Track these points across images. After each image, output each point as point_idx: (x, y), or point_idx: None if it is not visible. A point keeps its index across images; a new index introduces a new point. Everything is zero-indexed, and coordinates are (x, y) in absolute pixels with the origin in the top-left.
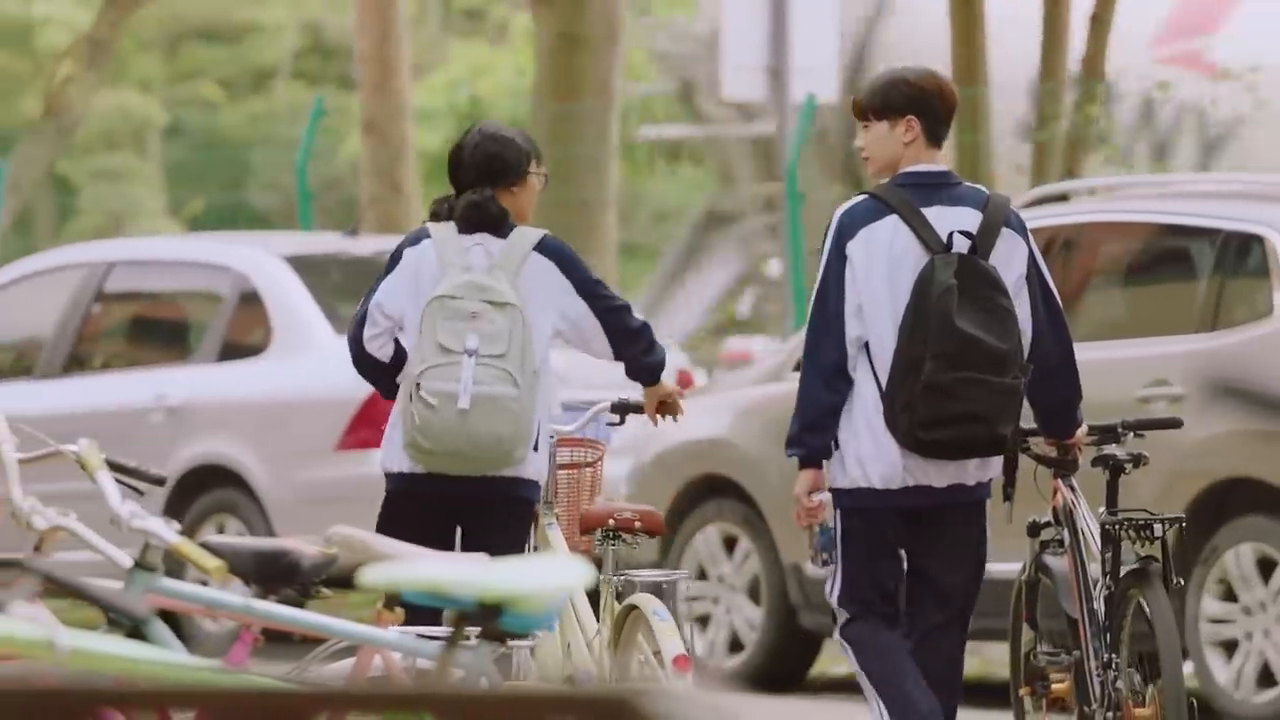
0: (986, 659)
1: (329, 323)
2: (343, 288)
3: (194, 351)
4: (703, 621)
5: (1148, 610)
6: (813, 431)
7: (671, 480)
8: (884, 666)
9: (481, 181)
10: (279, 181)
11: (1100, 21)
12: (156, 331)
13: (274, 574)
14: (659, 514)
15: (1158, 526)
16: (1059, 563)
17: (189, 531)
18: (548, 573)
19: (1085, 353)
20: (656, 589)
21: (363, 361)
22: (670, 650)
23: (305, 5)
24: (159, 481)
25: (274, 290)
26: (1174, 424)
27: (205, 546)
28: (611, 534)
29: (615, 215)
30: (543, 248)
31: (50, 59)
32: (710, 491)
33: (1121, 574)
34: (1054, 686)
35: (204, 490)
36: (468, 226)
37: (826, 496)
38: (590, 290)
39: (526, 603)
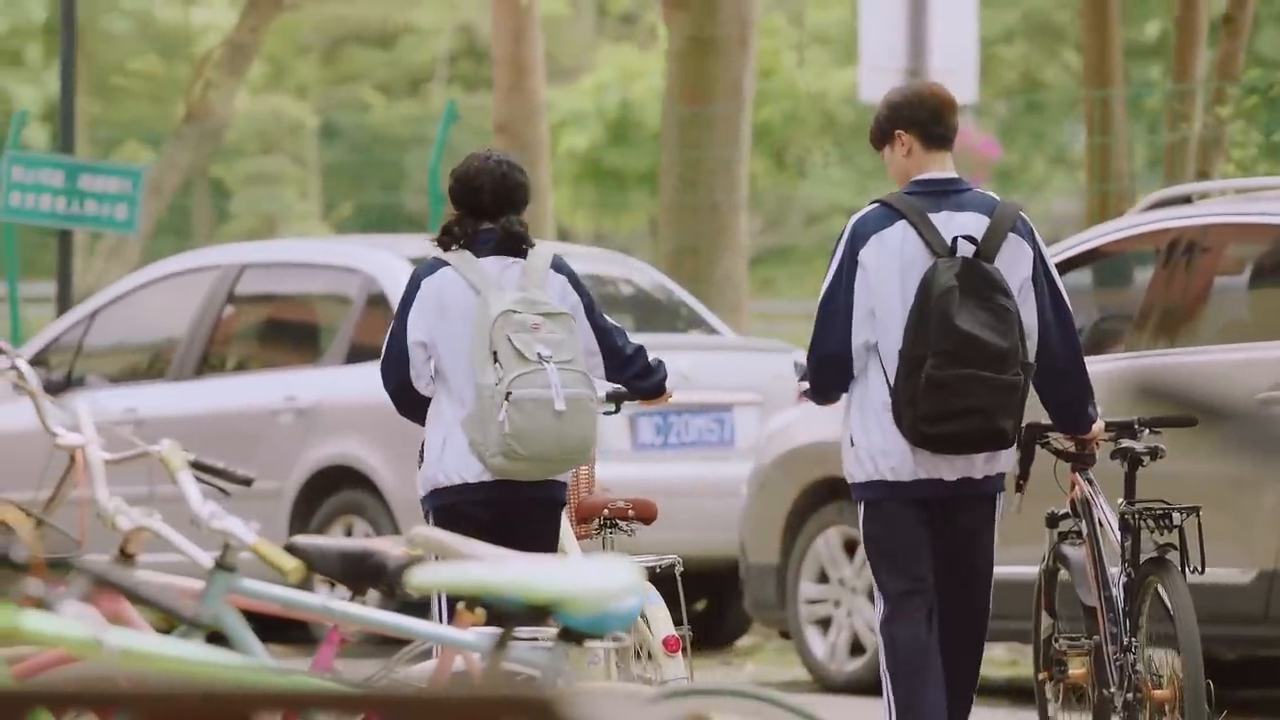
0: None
1: None
2: None
3: (323, 353)
4: (823, 624)
5: (1166, 597)
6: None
7: (793, 482)
8: (908, 676)
9: (507, 209)
10: (443, 185)
11: (1233, 23)
12: (286, 333)
13: (360, 574)
14: (652, 503)
15: (1175, 515)
16: (1077, 553)
17: (317, 533)
18: (595, 574)
19: (1208, 355)
20: (651, 573)
21: (404, 399)
22: (660, 632)
23: (460, 8)
24: (246, 482)
25: (400, 292)
26: (1189, 423)
27: (290, 547)
28: (608, 522)
29: (746, 218)
30: (556, 265)
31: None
32: (831, 494)
33: (1141, 562)
34: (1071, 672)
35: (332, 492)
36: (499, 250)
37: None
38: (593, 311)
39: (574, 604)
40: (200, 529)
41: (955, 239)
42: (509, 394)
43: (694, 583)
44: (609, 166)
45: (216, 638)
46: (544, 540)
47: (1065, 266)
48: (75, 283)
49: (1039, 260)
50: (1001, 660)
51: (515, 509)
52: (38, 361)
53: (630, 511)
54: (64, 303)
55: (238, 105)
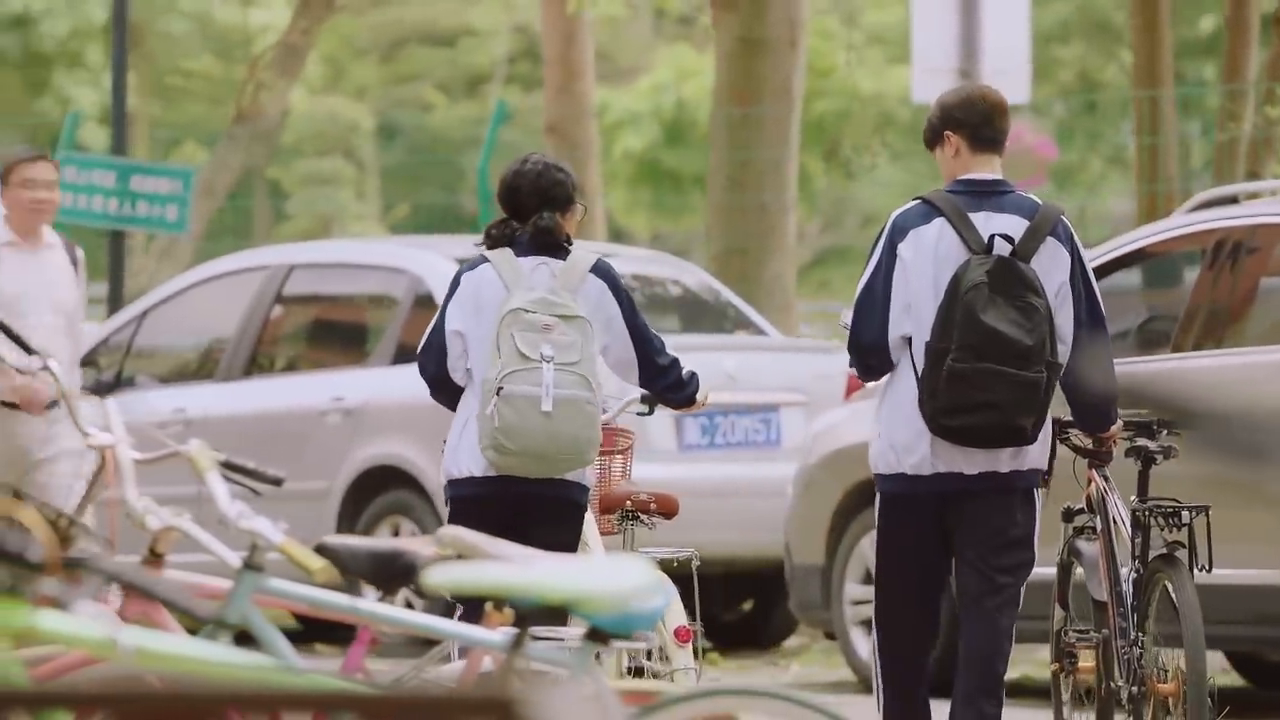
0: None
1: None
2: None
3: (370, 354)
4: (868, 625)
5: (1173, 593)
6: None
7: (838, 483)
8: (898, 672)
9: (545, 206)
10: (492, 185)
11: None
12: (334, 334)
13: (390, 575)
14: (674, 498)
15: (1185, 514)
16: (1090, 548)
17: (365, 533)
18: (610, 574)
19: (1254, 356)
20: (667, 565)
21: (441, 388)
22: (672, 623)
23: (517, 9)
24: (276, 482)
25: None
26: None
27: (320, 547)
28: (630, 515)
29: (795, 219)
30: (598, 270)
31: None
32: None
33: (1150, 559)
34: (1081, 664)
35: (379, 492)
36: (531, 250)
37: None
38: (632, 318)
39: (590, 604)
40: (229, 529)
41: (992, 237)
42: (500, 388)
43: (740, 583)
44: (665, 167)
45: (243, 637)
46: (558, 541)
47: (1112, 267)
48: (129, 284)
49: (1077, 265)
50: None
51: (525, 506)
52: (88, 362)
53: (652, 505)
54: (116, 303)
55: (295, 107)
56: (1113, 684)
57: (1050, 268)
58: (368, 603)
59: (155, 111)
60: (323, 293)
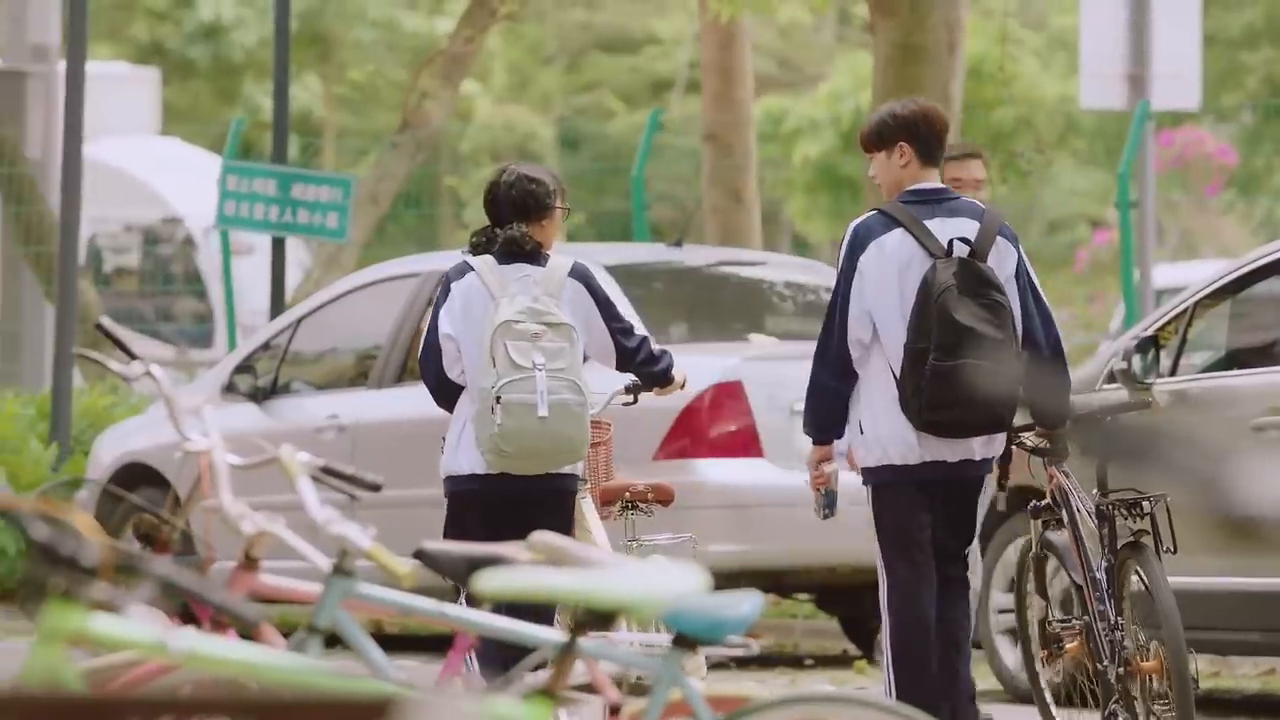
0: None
1: (651, 333)
2: (665, 298)
3: None
4: (1014, 635)
5: (1144, 577)
6: (824, 417)
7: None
8: (912, 653)
9: (517, 217)
10: (673, 192)
11: None
12: None
13: None
14: (670, 487)
15: (1145, 504)
16: (1060, 537)
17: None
18: (660, 580)
19: None
20: (667, 551)
21: (443, 390)
22: None
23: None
24: (374, 488)
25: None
26: (1142, 405)
27: (419, 552)
28: (629, 505)
29: None
30: (574, 273)
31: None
32: (1022, 503)
33: (1119, 546)
34: (1068, 646)
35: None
36: (507, 258)
37: (834, 468)
38: (608, 311)
39: (637, 610)
40: (319, 535)
41: (951, 241)
42: (499, 397)
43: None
44: (843, 174)
45: (333, 640)
46: (554, 528)
47: (1259, 275)
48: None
49: (1022, 263)
50: (1244, 674)
51: (521, 499)
52: (244, 368)
53: (650, 495)
54: (277, 309)
55: (477, 115)
56: (1100, 665)
57: (1001, 264)
58: (454, 607)
59: (342, 121)
60: None
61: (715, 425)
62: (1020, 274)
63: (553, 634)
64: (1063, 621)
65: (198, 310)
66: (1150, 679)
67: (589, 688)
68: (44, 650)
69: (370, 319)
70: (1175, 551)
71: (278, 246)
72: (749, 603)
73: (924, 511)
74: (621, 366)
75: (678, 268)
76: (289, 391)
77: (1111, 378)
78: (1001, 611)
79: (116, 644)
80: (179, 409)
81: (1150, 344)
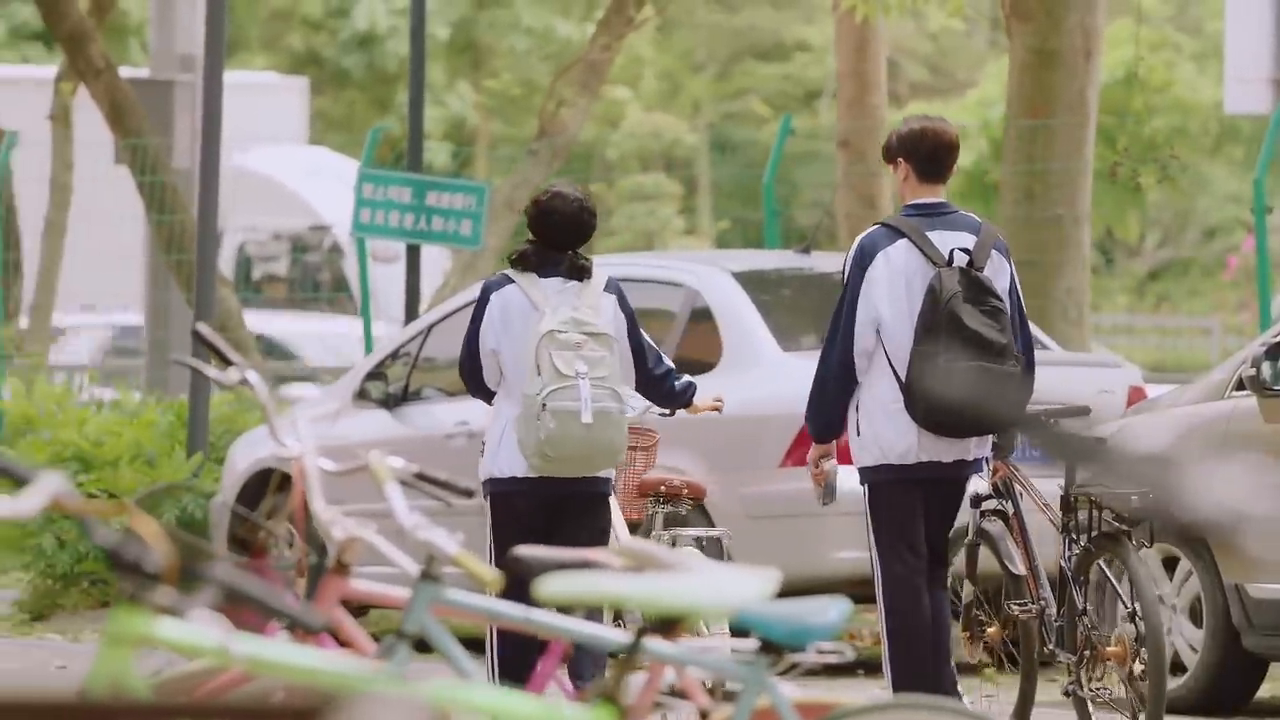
0: None
1: (777, 340)
2: (793, 305)
3: None
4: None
5: (1127, 569)
6: (827, 418)
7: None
8: (908, 643)
9: (576, 241)
10: (821, 199)
11: None
12: None
13: None
14: (701, 484)
15: (1134, 500)
16: (995, 527)
17: None
18: (723, 586)
19: None
20: (699, 543)
21: (479, 391)
22: None
23: None
24: (468, 494)
25: (725, 307)
26: (1083, 412)
27: (513, 557)
28: (662, 499)
29: (1089, 231)
30: (609, 287)
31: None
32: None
33: (1093, 536)
34: (989, 631)
35: (657, 504)
36: (549, 271)
37: (832, 465)
38: (634, 329)
39: (698, 616)
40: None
41: (952, 251)
42: (544, 404)
43: None
44: (993, 181)
45: (422, 645)
46: (590, 528)
47: None
48: (430, 299)
49: (1013, 277)
50: None
51: (561, 501)
52: (376, 375)
53: (684, 491)
54: (411, 317)
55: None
56: (1045, 649)
57: (996, 277)
58: (541, 613)
59: (496, 129)
60: None
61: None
62: (1012, 289)
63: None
64: (1020, 605)
65: (345, 316)
66: (1113, 662)
67: (680, 693)
68: (110, 654)
69: None
70: (1151, 545)
71: (412, 254)
72: (836, 609)
73: (919, 511)
74: (640, 389)
75: (806, 274)
76: (420, 398)
77: (1240, 384)
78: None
79: (179, 648)
80: (273, 415)
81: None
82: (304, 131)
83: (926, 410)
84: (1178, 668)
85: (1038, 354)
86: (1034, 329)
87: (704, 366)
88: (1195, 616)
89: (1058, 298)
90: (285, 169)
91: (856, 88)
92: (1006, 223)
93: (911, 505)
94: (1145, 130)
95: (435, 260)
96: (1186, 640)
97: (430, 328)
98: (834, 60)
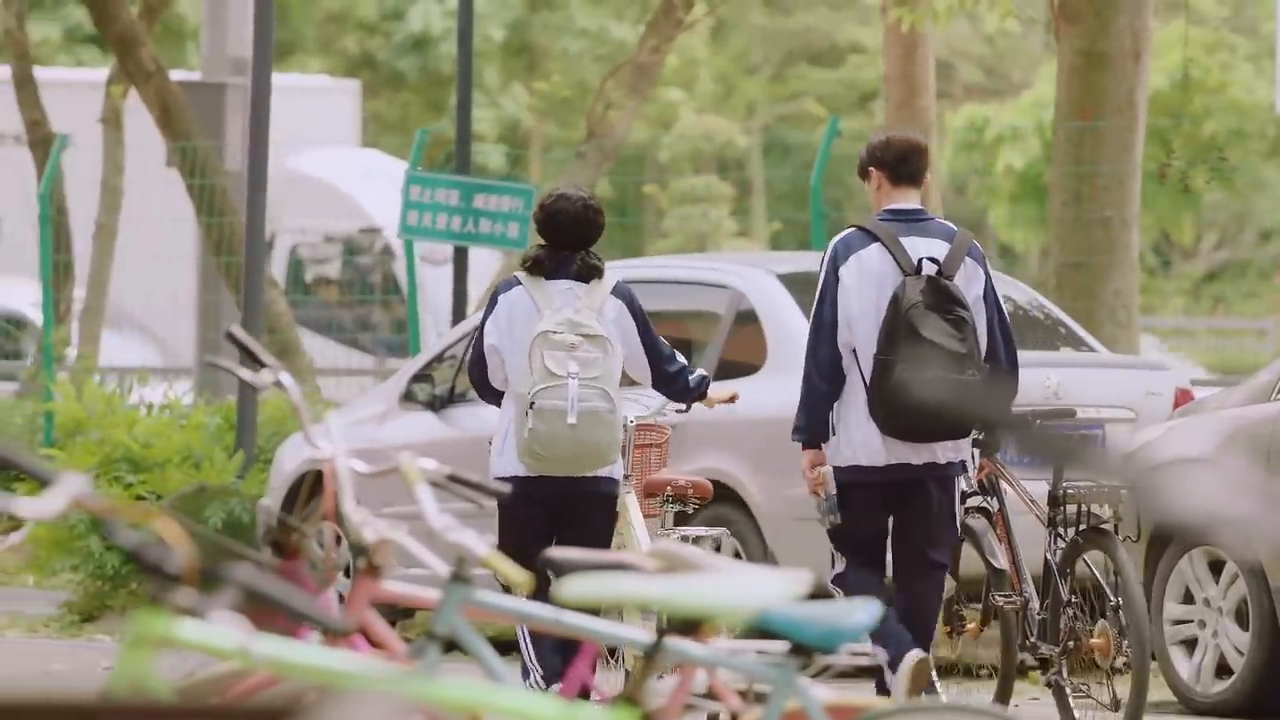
0: None
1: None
2: None
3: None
4: (1189, 645)
5: (1112, 563)
6: (814, 421)
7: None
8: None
9: (584, 242)
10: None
11: None
12: None
13: None
14: (708, 483)
15: (1118, 493)
16: (979, 524)
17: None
18: (746, 587)
19: None
20: (694, 544)
21: (486, 390)
22: None
23: None
24: (500, 496)
25: (770, 309)
26: (1068, 414)
27: (546, 560)
28: (670, 498)
29: (1139, 234)
30: (616, 291)
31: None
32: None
33: (1079, 530)
34: (969, 625)
35: (700, 505)
36: (556, 273)
37: (828, 469)
38: (645, 330)
39: (720, 618)
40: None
41: (920, 260)
42: (533, 403)
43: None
44: (1047, 183)
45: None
46: (594, 525)
47: None
48: (478, 301)
49: (989, 282)
50: None
51: (563, 500)
52: (422, 376)
53: (690, 491)
54: (458, 319)
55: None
56: (1027, 641)
57: (968, 284)
58: (572, 614)
59: (550, 132)
60: (647, 309)
61: None
62: (988, 294)
63: (676, 643)
64: (1005, 597)
65: (397, 319)
66: (1093, 655)
67: (711, 695)
68: (131, 655)
69: None
70: (1137, 539)
71: (460, 256)
72: (865, 611)
73: (882, 513)
74: (656, 386)
75: None
76: (466, 400)
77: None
78: (1176, 623)
79: (200, 649)
80: (306, 418)
81: None
82: (356, 134)
83: (887, 415)
84: (1224, 670)
85: (1083, 355)
86: (1082, 333)
87: (749, 368)
88: (1241, 619)
89: (1106, 300)
90: (337, 171)
91: (905, 91)
92: (1055, 225)
93: (874, 509)
94: (1201, 132)
95: (484, 262)
96: (1233, 643)
97: (477, 330)
98: (883, 63)
